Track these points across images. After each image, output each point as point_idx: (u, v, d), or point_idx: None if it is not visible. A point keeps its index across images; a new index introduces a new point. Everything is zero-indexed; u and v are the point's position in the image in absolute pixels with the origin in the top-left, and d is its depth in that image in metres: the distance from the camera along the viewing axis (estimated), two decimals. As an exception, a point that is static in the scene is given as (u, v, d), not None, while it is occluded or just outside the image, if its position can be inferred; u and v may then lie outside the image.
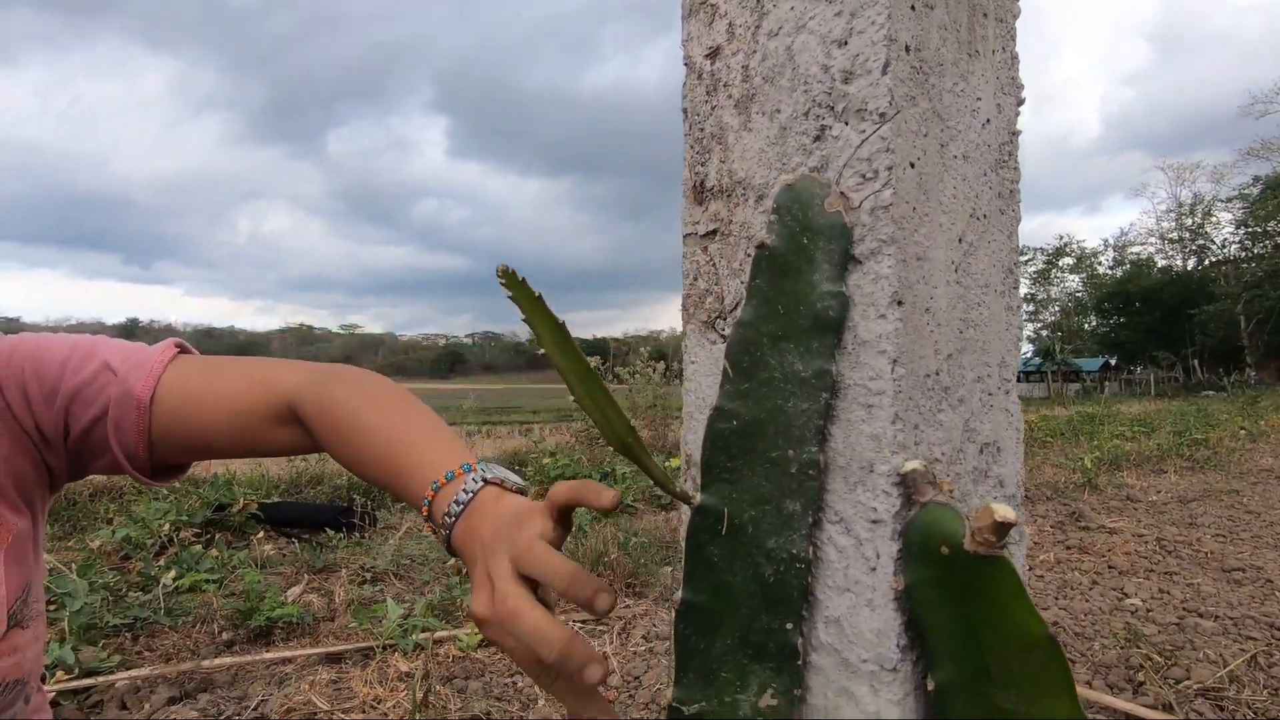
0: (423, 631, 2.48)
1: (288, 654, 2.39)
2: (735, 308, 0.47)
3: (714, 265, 0.49)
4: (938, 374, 0.40)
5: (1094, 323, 59.83)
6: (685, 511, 0.48)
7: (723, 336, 0.48)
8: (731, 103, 0.48)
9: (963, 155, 0.43)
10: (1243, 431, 9.50)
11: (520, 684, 2.22)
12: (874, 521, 0.38)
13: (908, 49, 0.39)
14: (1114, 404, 16.76)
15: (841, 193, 0.39)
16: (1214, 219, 49.71)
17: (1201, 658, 2.42)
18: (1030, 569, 3.66)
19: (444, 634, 2.50)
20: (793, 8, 0.43)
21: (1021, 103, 0.49)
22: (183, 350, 0.74)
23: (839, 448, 0.39)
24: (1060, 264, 61.46)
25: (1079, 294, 60.80)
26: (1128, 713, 2.02)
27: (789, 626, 0.39)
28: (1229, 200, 46.42)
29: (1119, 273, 57.31)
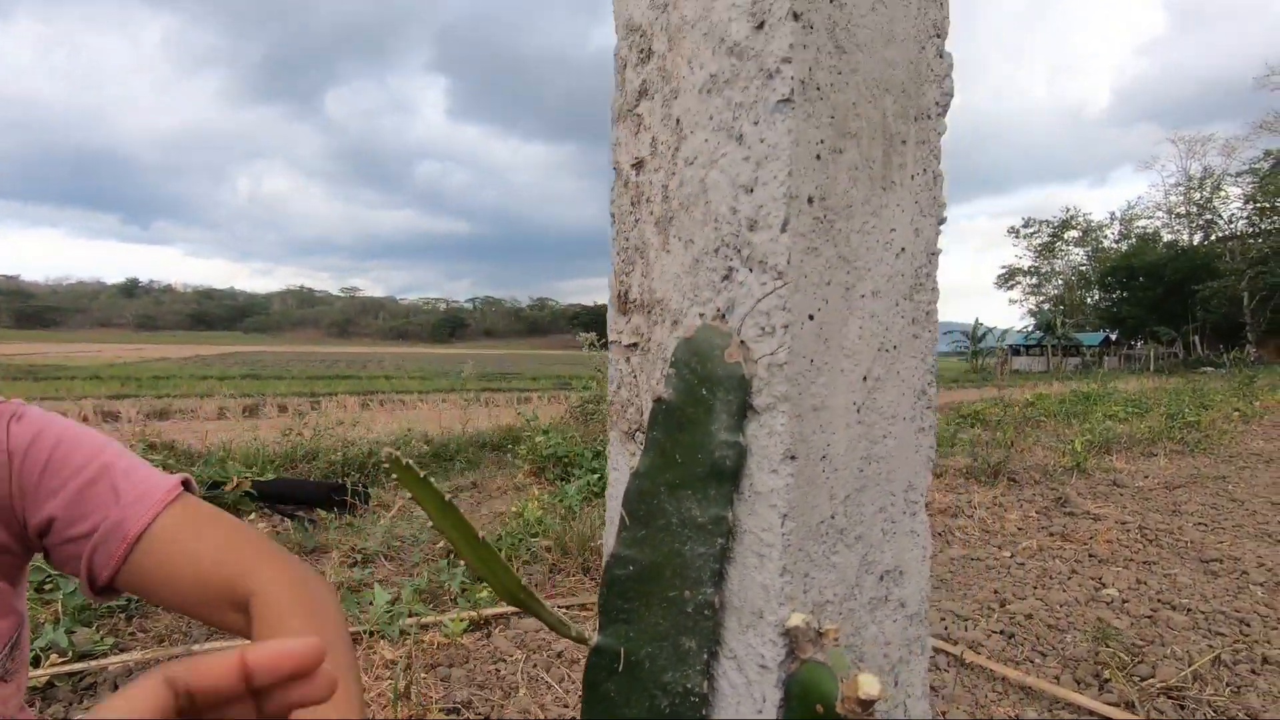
0: (409, 618, 2.54)
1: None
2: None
3: (635, 378, 0.50)
4: (833, 518, 0.41)
5: (1096, 297, 59.56)
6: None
7: (641, 449, 0.49)
8: (653, 220, 0.48)
9: (871, 292, 0.43)
10: (1236, 413, 9.54)
11: (502, 671, 2.28)
12: (762, 667, 0.39)
13: (810, 200, 0.39)
14: (1111, 380, 16.79)
15: (742, 342, 0.40)
16: (1223, 193, 49.09)
17: (1169, 654, 2.48)
18: (1012, 556, 3.72)
19: (430, 620, 2.56)
20: (706, 140, 0.43)
21: (943, 221, 0.49)
22: (188, 487, 0.76)
23: (735, 589, 0.40)
24: (1066, 237, 60.92)
25: (1083, 267, 60.37)
26: (1090, 709, 2.09)
27: (684, 755, 0.41)
28: (1239, 174, 45.79)
29: (1124, 247, 56.85)
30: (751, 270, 0.40)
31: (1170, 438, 7.37)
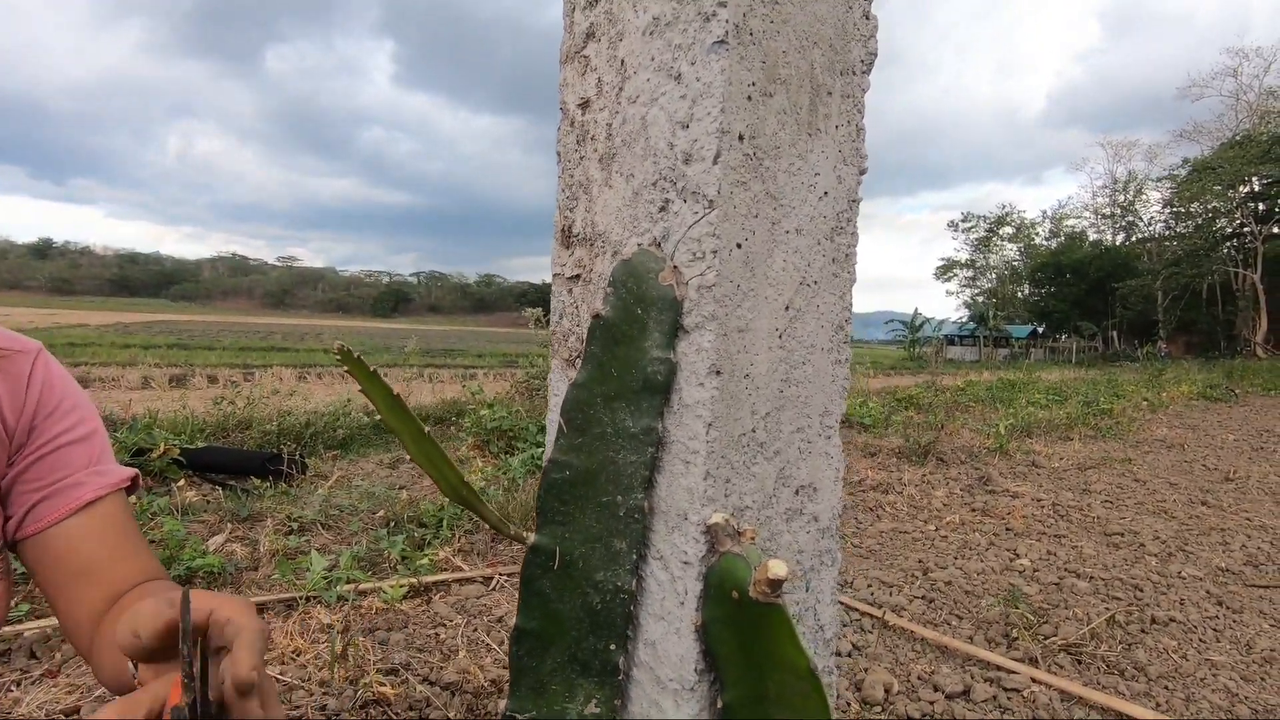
0: (347, 584, 2.52)
1: (208, 604, 2.40)
2: (591, 351, 0.51)
3: (577, 308, 0.53)
4: (754, 431, 0.45)
5: (1026, 291, 62.40)
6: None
7: (581, 375, 0.52)
8: (596, 157, 0.51)
9: (795, 229, 0.47)
10: (1145, 403, 10.22)
11: (442, 635, 2.30)
12: (685, 563, 0.43)
13: (741, 137, 0.43)
14: (1035, 370, 17.70)
15: (675, 267, 0.43)
16: (1144, 197, 52.00)
17: (1070, 616, 2.69)
18: (936, 529, 3.93)
19: (368, 586, 2.54)
20: (648, 80, 0.46)
21: (864, 171, 0.53)
22: (133, 487, 0.83)
23: (662, 495, 0.44)
24: (1000, 232, 63.47)
25: (1015, 263, 63.09)
26: (998, 664, 2.25)
27: (612, 647, 0.44)
28: (1159, 180, 48.54)
29: (1054, 244, 59.64)
30: (685, 201, 0.43)
31: (1085, 424, 7.84)
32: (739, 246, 0.43)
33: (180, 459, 3.68)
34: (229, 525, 3.18)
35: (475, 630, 2.35)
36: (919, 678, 2.11)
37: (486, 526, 3.24)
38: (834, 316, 0.51)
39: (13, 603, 2.28)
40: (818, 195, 0.49)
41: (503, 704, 0.43)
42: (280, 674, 1.96)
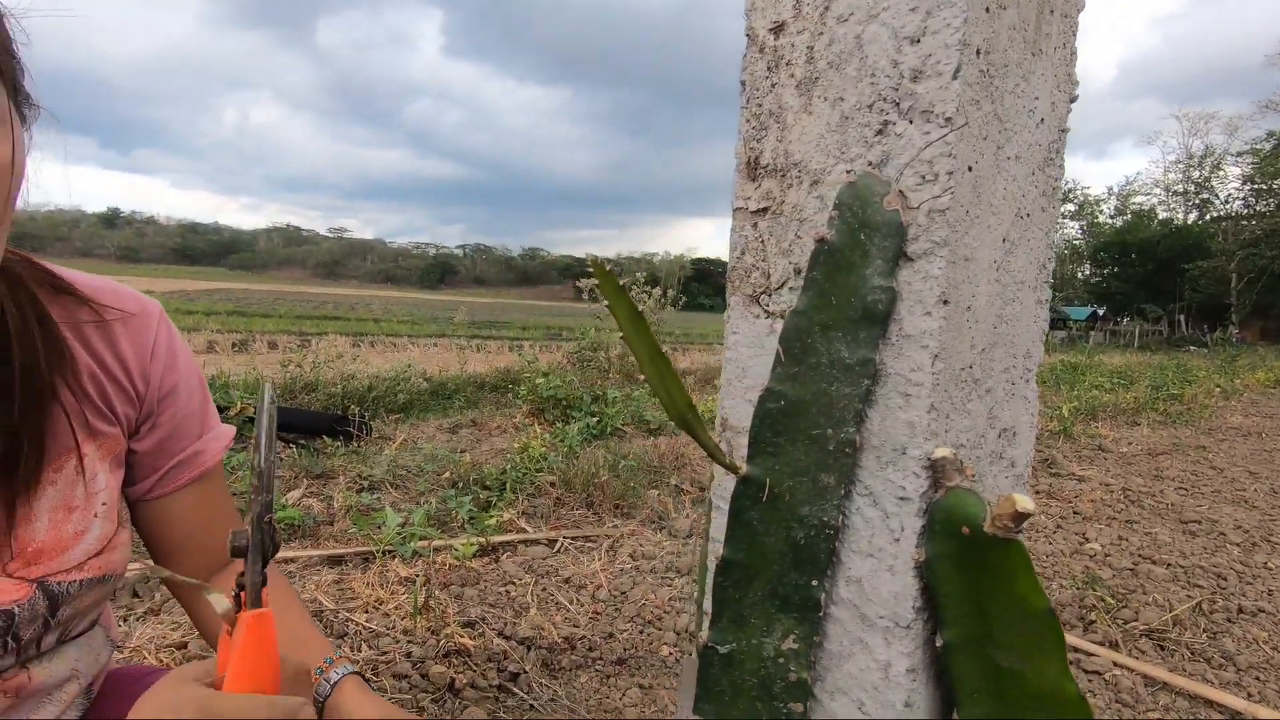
0: (420, 540, 2.59)
1: (291, 554, 2.50)
2: (782, 285, 0.50)
3: (762, 242, 0.51)
4: (971, 367, 0.43)
5: (1087, 272, 59.87)
6: (724, 475, 0.52)
7: (766, 312, 0.51)
8: (793, 83, 0.49)
9: (1015, 156, 0.45)
10: (1218, 389, 9.74)
11: (512, 592, 2.35)
12: (901, 499, 0.42)
13: (979, 52, 0.40)
14: (1097, 354, 17.03)
15: (900, 191, 0.41)
16: (1222, 172, 49.03)
17: (1150, 601, 2.60)
18: (999, 510, 3.85)
19: (441, 543, 2.61)
20: (866, -5, 0.43)
21: (1074, 99, 0.50)
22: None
23: (874, 429, 0.43)
24: (1062, 210, 60.83)
25: (1076, 241, 60.48)
26: (1076, 646, 2.19)
27: (814, 583, 0.44)
28: (1239, 154, 45.66)
29: (1119, 222, 56.90)
30: (912, 121, 0.41)
31: (1154, 409, 7.53)
32: (970, 170, 0.40)
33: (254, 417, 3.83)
34: (304, 481, 3.30)
35: (544, 589, 2.40)
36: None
37: (550, 491, 3.29)
38: (1040, 254, 0.49)
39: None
40: (1036, 121, 0.46)
41: (704, 635, 0.43)
42: (365, 622, 2.04)
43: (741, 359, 0.52)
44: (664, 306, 8.29)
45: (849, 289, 0.41)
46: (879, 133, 0.43)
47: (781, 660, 0.45)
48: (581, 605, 2.31)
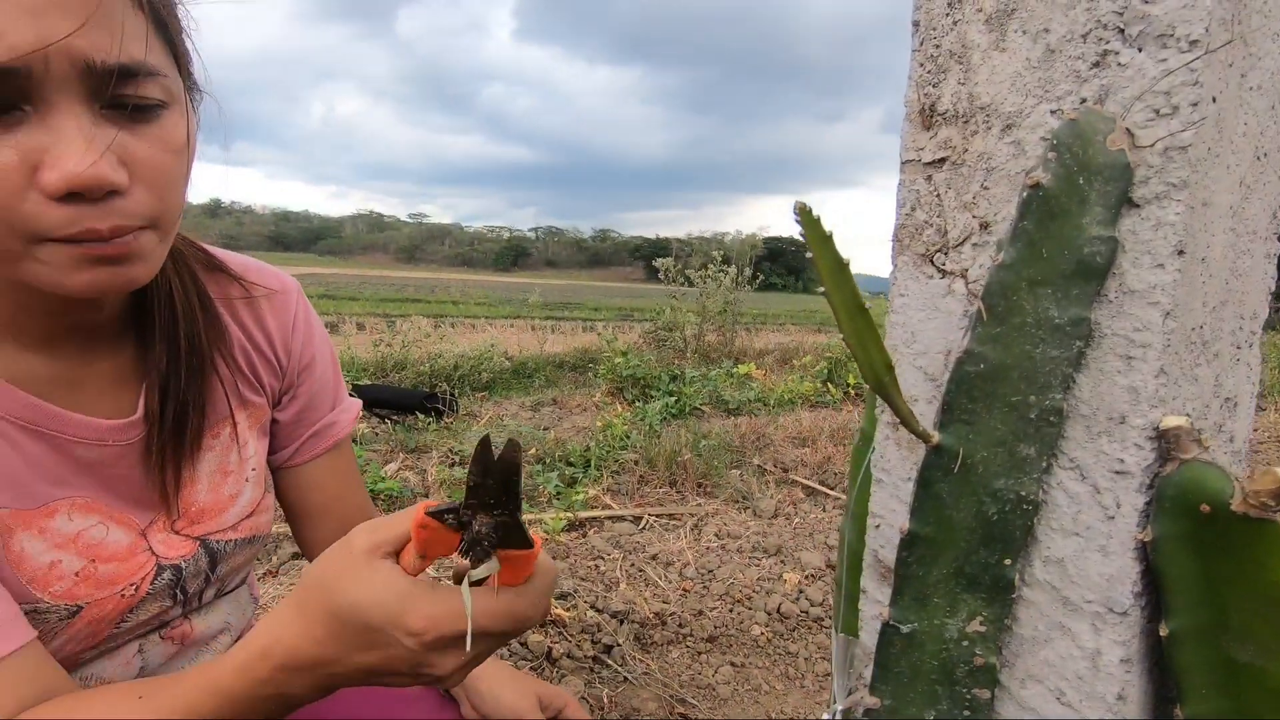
0: (511, 513, 2.66)
1: (390, 523, 2.62)
2: (963, 242, 0.46)
3: (938, 196, 0.47)
4: (1201, 327, 0.38)
5: None
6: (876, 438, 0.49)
7: (942, 271, 0.47)
8: (981, 18, 0.44)
9: (1257, 86, 0.39)
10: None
11: (601, 567, 2.39)
12: (1118, 473, 0.38)
13: (1228, -36, 0.35)
14: None
15: (1127, 129, 0.37)
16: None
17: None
18: None
19: (530, 517, 2.68)
20: (1083, -90, 0.39)
21: (1316, 22, 0.43)
22: None
23: (1084, 396, 0.39)
24: None
25: None
26: None
27: (1006, 562, 0.40)
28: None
29: None
30: (1142, 49, 0.37)
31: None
32: (1213, 101, 0.35)
33: (353, 394, 4.02)
34: (400, 455, 3.45)
35: (632, 565, 2.43)
36: None
37: (633, 469, 3.32)
38: (1272, 201, 0.43)
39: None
40: (1279, 45, 0.40)
41: (886, 611, 0.40)
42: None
43: (910, 323, 0.48)
44: (740, 286, 8.17)
45: (1062, 240, 0.37)
46: (1095, 65, 0.39)
47: (966, 643, 0.42)
48: (670, 582, 2.32)
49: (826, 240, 0.32)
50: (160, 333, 0.66)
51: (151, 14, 0.50)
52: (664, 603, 2.16)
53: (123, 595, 0.64)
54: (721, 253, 8.55)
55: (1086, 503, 0.39)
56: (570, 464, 3.38)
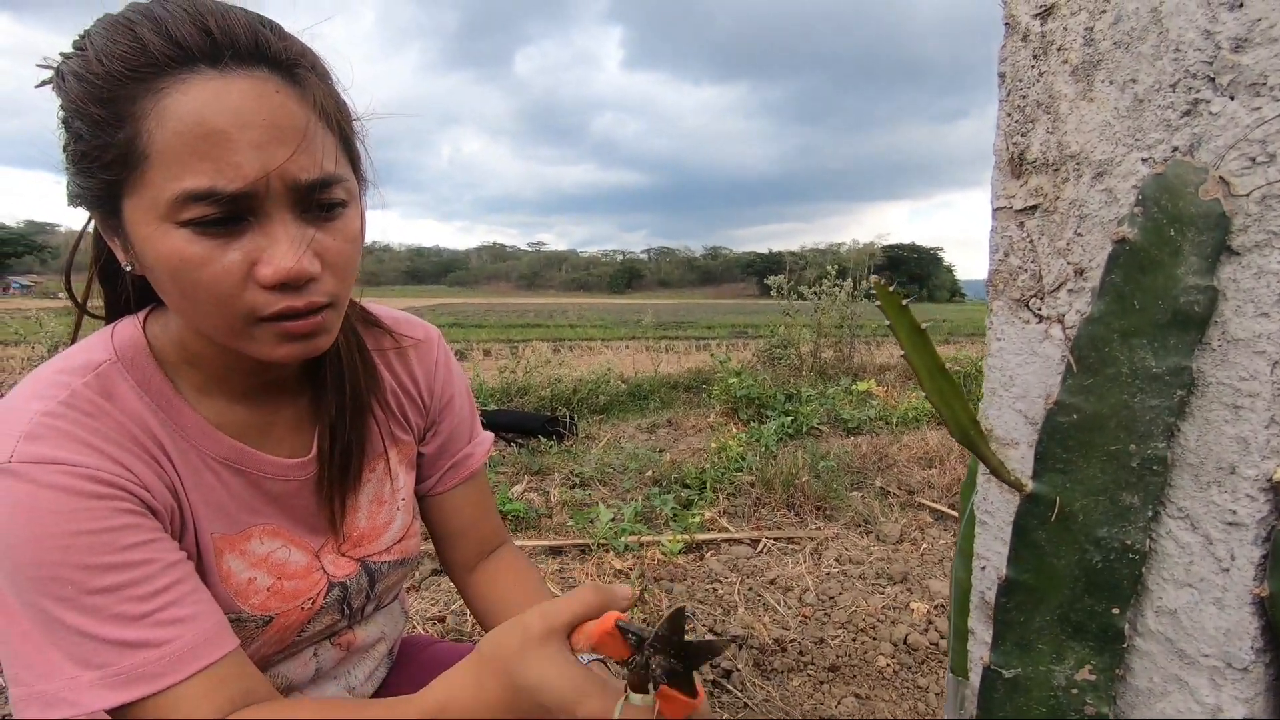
0: (631, 535, 2.74)
1: (519, 542, 2.78)
2: (1058, 288, 0.46)
3: (1031, 242, 0.48)
4: (1314, 375, 0.37)
5: None
6: (984, 477, 0.49)
7: (1038, 316, 0.48)
8: (1068, 69, 0.45)
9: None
10: None
11: (719, 590, 2.40)
12: (1231, 524, 0.37)
13: (1325, 8, 0.35)
14: None
15: (1221, 178, 0.37)
16: None
17: None
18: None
19: (649, 539, 2.74)
20: (1165, -37, 0.39)
21: None
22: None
23: (1190, 445, 0.38)
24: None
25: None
26: None
27: (1114, 611, 0.40)
28: None
29: None
30: (1234, 97, 0.37)
31: None
32: (1315, 146, 0.35)
33: (482, 420, 4.30)
34: (525, 477, 3.64)
35: (750, 589, 2.42)
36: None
37: (749, 491, 3.30)
38: None
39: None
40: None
41: (987, 656, 0.41)
42: (586, 609, 2.19)
43: (1008, 366, 0.49)
44: (855, 299, 7.91)
45: (1156, 291, 0.38)
46: (1186, 114, 0.39)
47: (1076, 691, 0.42)
48: (789, 607, 2.29)
49: (903, 310, 0.35)
50: (331, 384, 0.78)
51: (338, 131, 0.61)
52: (783, 629, 2.13)
53: (303, 608, 0.75)
54: (836, 265, 8.32)
55: (1199, 554, 0.38)
56: (686, 486, 3.42)
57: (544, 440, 4.14)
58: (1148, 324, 0.38)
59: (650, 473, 3.59)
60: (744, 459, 3.60)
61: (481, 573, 0.94)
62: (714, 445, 3.82)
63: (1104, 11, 0.43)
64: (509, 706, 0.54)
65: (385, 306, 0.93)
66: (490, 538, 0.95)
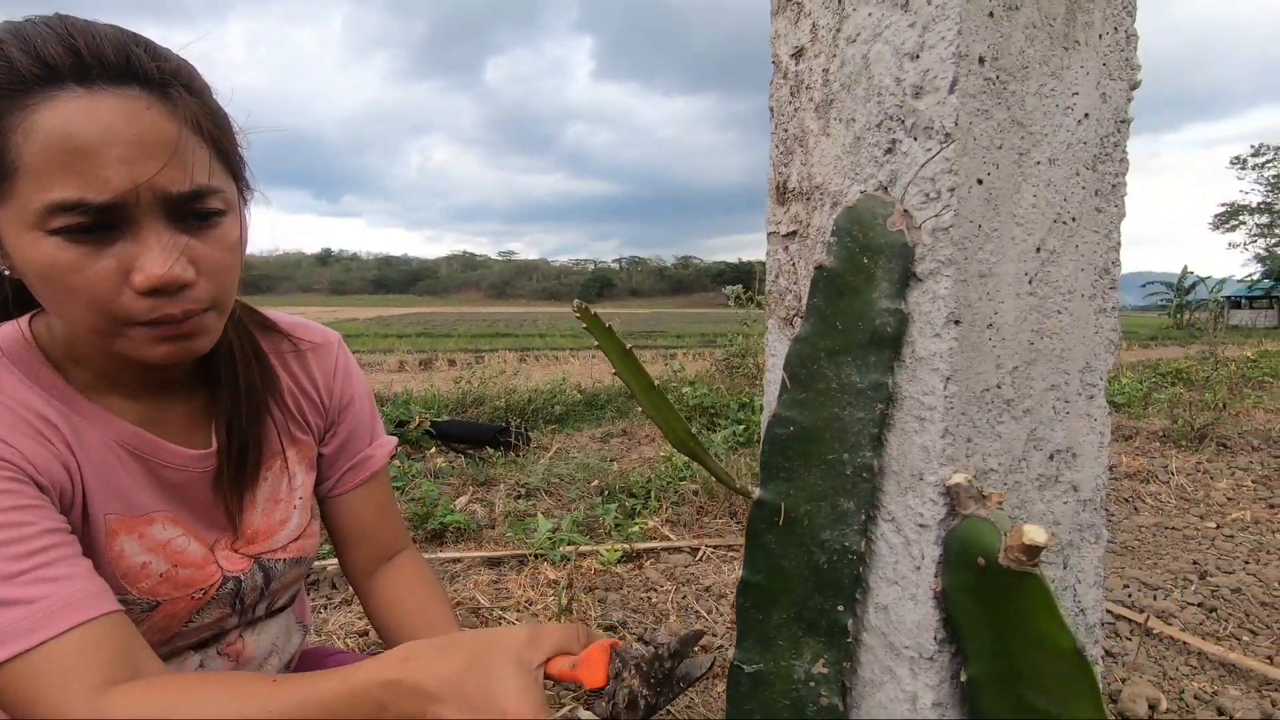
0: (568, 545, 2.75)
1: (457, 555, 2.76)
2: (810, 309, 0.50)
3: (794, 265, 0.52)
4: (999, 387, 0.41)
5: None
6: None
7: (799, 334, 0.51)
8: (813, 106, 0.49)
9: (1048, 159, 0.42)
10: None
11: (654, 599, 2.42)
12: (921, 526, 0.41)
13: (982, 60, 0.39)
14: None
15: (905, 210, 0.41)
16: None
17: None
18: (1218, 527, 3.28)
19: (587, 548, 2.75)
20: (870, 14, 0.43)
21: (1136, 85, 0.45)
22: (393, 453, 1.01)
23: (894, 454, 0.42)
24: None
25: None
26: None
27: (840, 608, 0.43)
28: None
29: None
30: (916, 139, 0.40)
31: None
32: (979, 183, 0.39)
33: (431, 430, 4.26)
34: (470, 488, 3.62)
35: (684, 597, 2.44)
36: (1196, 697, 1.79)
37: (693, 500, 3.34)
38: (1097, 258, 0.45)
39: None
40: (1075, 119, 0.42)
41: (730, 653, 0.44)
42: (515, 620, 2.20)
43: (779, 381, 0.52)
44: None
45: (855, 313, 0.41)
46: (887, 151, 0.42)
47: (813, 684, 0.45)
48: (721, 614, 2.32)
49: (609, 333, 0.38)
50: (225, 382, 0.79)
51: (213, 144, 0.63)
52: (713, 636, 2.16)
53: (193, 597, 0.76)
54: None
55: (901, 553, 0.42)
56: (633, 495, 3.44)
57: (493, 451, 4.13)
58: (851, 343, 0.41)
59: (597, 482, 3.60)
60: (689, 467, 3.63)
61: (380, 578, 0.95)
62: (662, 454, 3.85)
63: (835, 55, 0.46)
64: (455, 684, 0.53)
65: (284, 314, 0.94)
66: (390, 543, 0.96)
